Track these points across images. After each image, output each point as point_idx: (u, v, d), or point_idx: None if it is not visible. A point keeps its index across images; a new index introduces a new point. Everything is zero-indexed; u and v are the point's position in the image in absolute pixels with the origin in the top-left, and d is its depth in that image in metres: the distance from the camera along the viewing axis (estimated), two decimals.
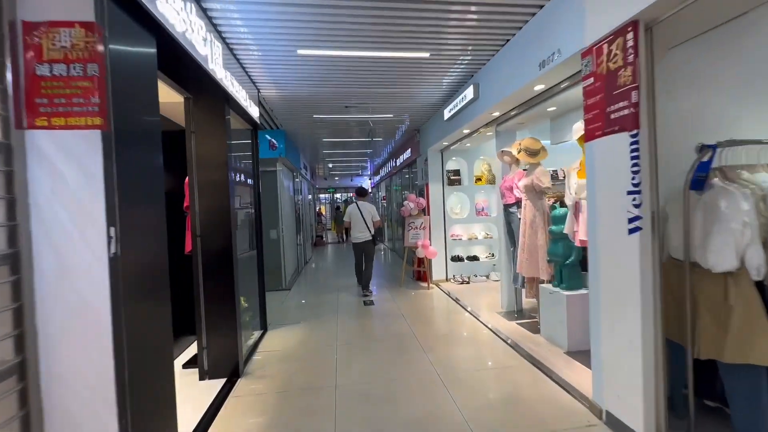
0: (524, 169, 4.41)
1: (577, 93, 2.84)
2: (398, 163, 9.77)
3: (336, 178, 19.85)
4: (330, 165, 13.01)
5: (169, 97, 3.26)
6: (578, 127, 3.21)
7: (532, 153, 4.14)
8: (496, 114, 4.35)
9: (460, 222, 7.16)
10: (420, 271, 7.11)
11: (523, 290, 4.63)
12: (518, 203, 4.48)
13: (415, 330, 4.40)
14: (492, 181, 7.16)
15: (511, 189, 4.50)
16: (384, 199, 14.96)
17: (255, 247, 4.73)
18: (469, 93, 4.46)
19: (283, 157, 6.99)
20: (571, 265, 3.66)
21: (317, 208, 23.62)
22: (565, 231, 3.48)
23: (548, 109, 3.87)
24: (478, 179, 7.24)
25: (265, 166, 7.01)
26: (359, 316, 5.13)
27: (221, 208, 3.34)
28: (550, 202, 4.16)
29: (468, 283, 6.74)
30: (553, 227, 3.75)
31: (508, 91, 3.66)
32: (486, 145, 7.05)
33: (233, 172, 3.87)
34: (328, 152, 10.38)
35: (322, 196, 25.08)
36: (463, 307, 5.30)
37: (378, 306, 5.60)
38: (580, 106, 2.53)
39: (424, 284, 6.87)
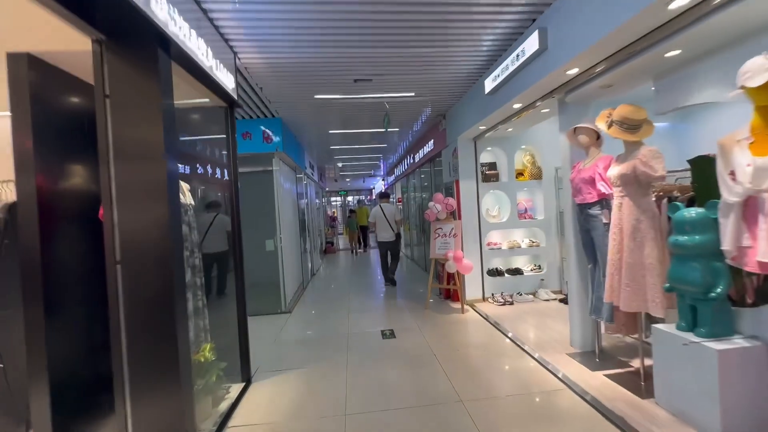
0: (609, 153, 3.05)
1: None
2: (417, 159, 8.46)
3: (347, 180, 18.64)
4: (340, 165, 11.78)
5: (71, 40, 2.02)
6: (760, 66, 1.84)
7: (632, 126, 2.78)
8: (573, 72, 3.00)
9: (499, 227, 5.79)
10: (450, 290, 5.77)
11: (605, 323, 3.25)
12: (602, 202, 3.13)
13: (458, 388, 3.06)
14: (537, 176, 5.79)
15: (592, 182, 3.14)
16: (399, 201, 13.65)
17: (234, 266, 3.48)
18: (531, 44, 3.13)
19: (281, 152, 5.76)
20: (717, 300, 2.28)
21: (330, 212, 22.50)
22: (723, 247, 2.10)
23: (668, 54, 2.50)
24: (520, 174, 5.87)
25: (258, 165, 5.80)
26: (377, 357, 3.82)
27: (155, 221, 2.08)
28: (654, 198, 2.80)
29: (511, 303, 5.37)
30: (680, 238, 2.38)
31: (606, 27, 2.32)
32: (531, 131, 5.68)
33: (181, 163, 2.60)
34: (336, 148, 9.13)
35: (333, 199, 23.97)
36: (516, 343, 3.94)
37: (401, 339, 4.29)
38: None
39: (456, 305, 5.53)
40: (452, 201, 5.43)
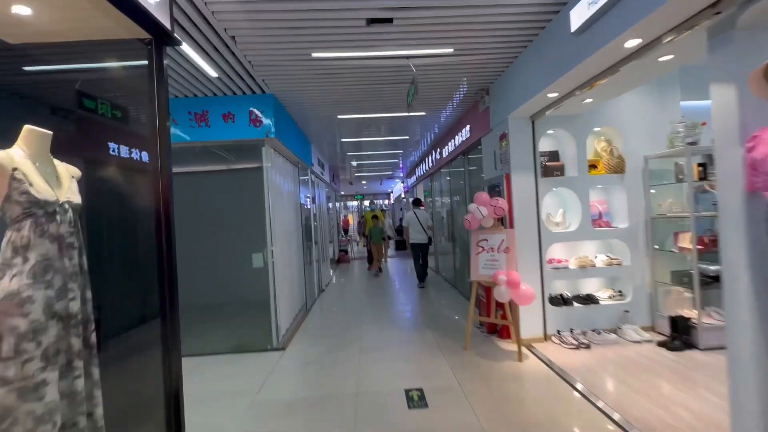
0: None
1: None
2: (445, 153, 7.00)
3: (363, 183, 17.31)
4: (354, 164, 10.43)
5: None
6: None
7: None
8: None
9: (564, 238, 4.26)
10: (496, 323, 4.26)
11: None
12: None
13: None
14: (618, 169, 4.24)
15: None
16: (422, 206, 12.18)
17: (161, 298, 2.09)
18: None
19: (274, 139, 4.42)
20: None
21: (343, 217, 21.17)
22: None
23: None
24: (592, 166, 4.34)
25: (243, 156, 4.48)
26: None
27: None
28: None
29: (587, 346, 3.82)
30: None
31: None
32: (609, 109, 4.16)
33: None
34: (349, 142, 7.76)
35: (350, 204, 22.68)
36: (625, 430, 2.41)
37: (435, 408, 2.82)
38: None
39: (508, 346, 4.02)
40: (502, 202, 3.94)
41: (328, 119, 5.70)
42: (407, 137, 7.31)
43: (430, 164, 8.83)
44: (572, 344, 3.84)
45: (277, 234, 4.64)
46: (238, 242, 4.41)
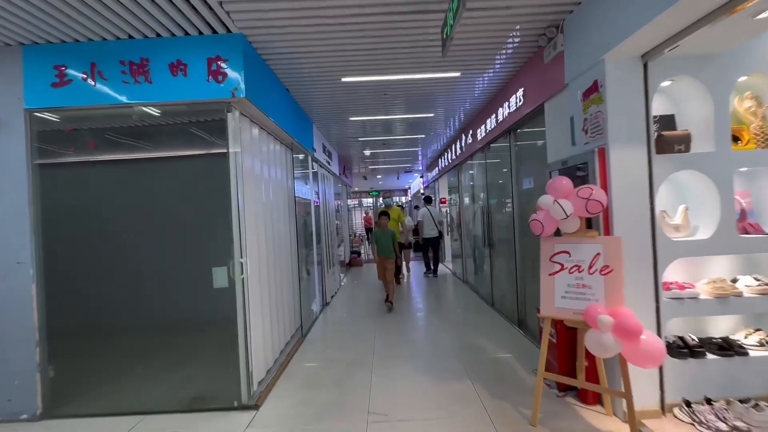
0: None
1: None
2: (482, 134, 5.49)
3: (379, 178, 15.88)
4: (367, 153, 8.99)
5: None
6: None
7: None
8: None
9: (697, 250, 2.69)
10: (586, 388, 2.75)
11: None
12: None
13: None
14: None
15: None
16: (443, 202, 10.67)
17: None
18: None
19: (244, 100, 3.02)
20: None
21: (365, 214, 19.76)
22: None
23: None
24: (736, 138, 2.77)
25: (201, 130, 3.10)
26: None
27: None
28: None
29: None
30: None
31: None
32: (757, 51, 2.60)
33: None
34: (358, 122, 6.32)
35: (365, 201, 21.28)
36: None
37: None
38: None
39: (600, 420, 2.52)
40: (599, 192, 2.42)
41: (330, 83, 4.27)
42: (431, 114, 5.81)
43: (458, 152, 7.31)
44: (716, 428, 2.31)
45: (251, 240, 3.25)
46: (192, 253, 3.06)
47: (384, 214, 6.03)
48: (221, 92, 2.96)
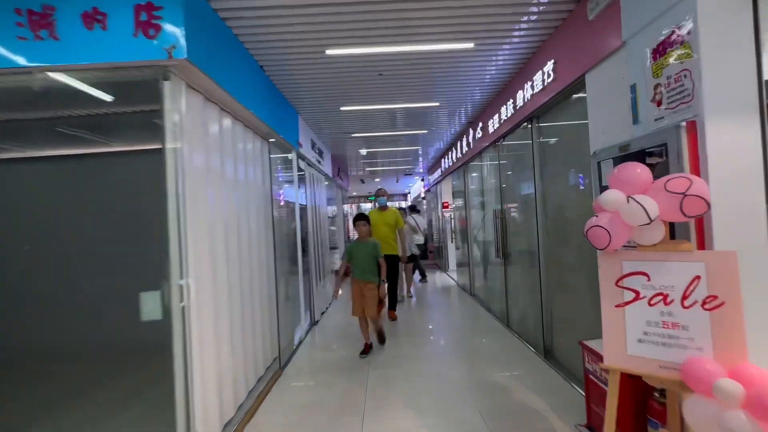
0: None
1: None
2: (494, 125, 4.69)
3: (377, 181, 15.09)
4: (364, 152, 8.18)
5: None
6: None
7: None
8: None
9: None
10: None
11: None
12: None
13: None
14: None
15: None
16: (446, 206, 9.83)
17: None
18: None
19: (186, 63, 2.21)
20: None
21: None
22: None
23: None
24: None
25: (127, 110, 2.31)
26: None
27: None
28: None
29: None
30: None
31: None
32: None
33: None
34: (351, 112, 5.54)
35: (364, 206, 20.40)
36: None
37: None
38: None
39: None
40: (700, 185, 1.59)
41: (312, 58, 3.47)
42: (436, 104, 5.02)
43: (464, 150, 6.52)
44: None
45: (202, 255, 2.43)
46: (115, 273, 2.25)
47: (361, 218, 4.10)
48: (153, 51, 2.15)
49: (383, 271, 4.05)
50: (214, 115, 2.80)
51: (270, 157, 3.92)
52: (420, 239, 8.23)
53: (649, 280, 1.73)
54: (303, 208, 5.39)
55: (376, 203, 5.53)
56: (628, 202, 1.66)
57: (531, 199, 3.86)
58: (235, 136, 3.19)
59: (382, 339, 4.32)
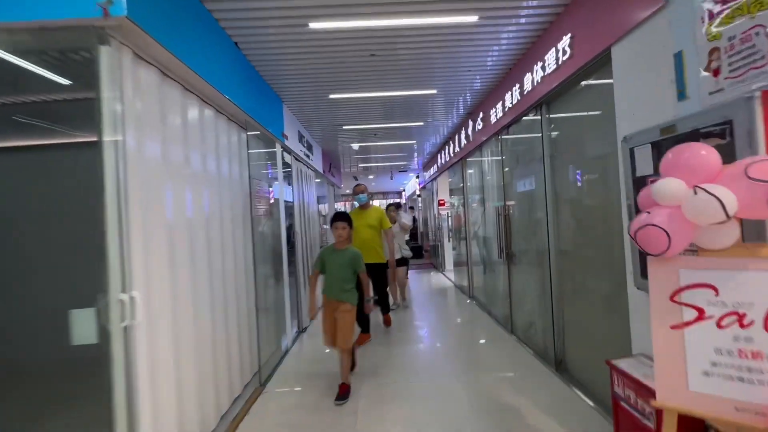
0: None
1: None
2: (497, 114, 4.29)
3: (371, 178, 14.67)
4: (356, 146, 7.75)
5: None
6: None
7: None
8: None
9: None
10: None
11: None
12: None
13: None
14: None
15: None
16: (442, 204, 9.44)
17: None
18: None
19: (127, 23, 1.77)
20: None
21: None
22: None
23: None
24: None
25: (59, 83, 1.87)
26: None
27: None
28: None
29: None
30: None
31: None
32: None
33: None
34: (340, 100, 5.12)
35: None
36: None
37: None
38: None
39: None
40: None
41: (294, 33, 3.04)
42: (433, 91, 4.61)
43: (462, 143, 6.13)
44: None
45: (157, 263, 2.00)
46: (43, 286, 1.83)
47: (341, 218, 3.23)
48: (86, 7, 1.72)
49: (367, 288, 3.29)
50: (175, 95, 2.36)
51: (249, 151, 3.48)
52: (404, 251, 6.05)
53: (717, 294, 1.34)
54: (290, 206, 4.96)
55: (355, 202, 4.60)
56: (695, 193, 1.26)
57: (539, 195, 3.47)
58: (205, 124, 2.76)
59: (351, 367, 3.40)
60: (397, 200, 20.41)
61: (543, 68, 3.14)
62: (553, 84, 3.00)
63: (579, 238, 3.02)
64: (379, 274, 4.46)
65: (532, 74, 3.37)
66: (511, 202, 4.34)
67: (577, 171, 2.96)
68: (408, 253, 5.98)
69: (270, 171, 4.26)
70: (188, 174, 2.43)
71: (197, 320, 2.43)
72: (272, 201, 4.26)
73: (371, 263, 4.03)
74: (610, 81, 2.34)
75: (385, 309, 4.99)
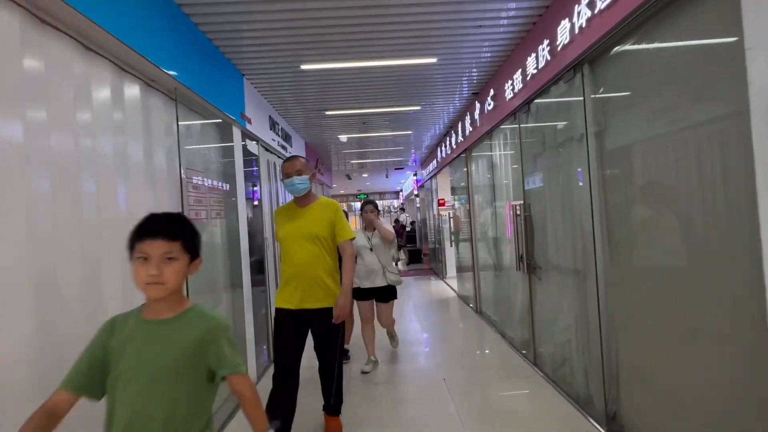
0: None
1: None
2: (519, 83, 3.35)
3: (365, 177, 13.74)
4: (344, 138, 6.78)
5: None
6: None
7: None
8: None
9: None
10: None
11: None
12: None
13: None
14: None
15: None
16: (441, 204, 8.48)
17: None
18: None
19: None
20: None
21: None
22: None
23: None
24: None
25: None
26: None
27: None
28: None
29: None
30: None
31: None
32: None
33: None
34: (314, 74, 4.18)
35: (355, 205, 18.97)
36: None
37: None
38: None
39: None
40: None
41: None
42: (433, 60, 3.65)
43: (468, 130, 5.18)
44: None
45: None
46: None
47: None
48: None
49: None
50: (12, 25, 1.40)
51: (179, 127, 2.52)
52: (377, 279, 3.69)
53: None
54: (256, 208, 4.01)
55: (287, 190, 2.51)
56: None
57: (579, 192, 2.53)
58: (88, 81, 1.81)
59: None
60: (373, 199, 19.41)
61: (591, 4, 2.20)
62: (605, 29, 2.06)
63: (646, 252, 2.08)
64: (332, 331, 2.38)
65: (570, 19, 2.43)
66: (533, 201, 3.40)
67: (578, 170, 2.02)
68: (397, 279, 3.73)
69: (223, 161, 3.31)
70: (39, 161, 1.47)
71: None
72: (228, 201, 3.31)
73: (317, 308, 2.28)
74: None
75: (337, 403, 2.63)
